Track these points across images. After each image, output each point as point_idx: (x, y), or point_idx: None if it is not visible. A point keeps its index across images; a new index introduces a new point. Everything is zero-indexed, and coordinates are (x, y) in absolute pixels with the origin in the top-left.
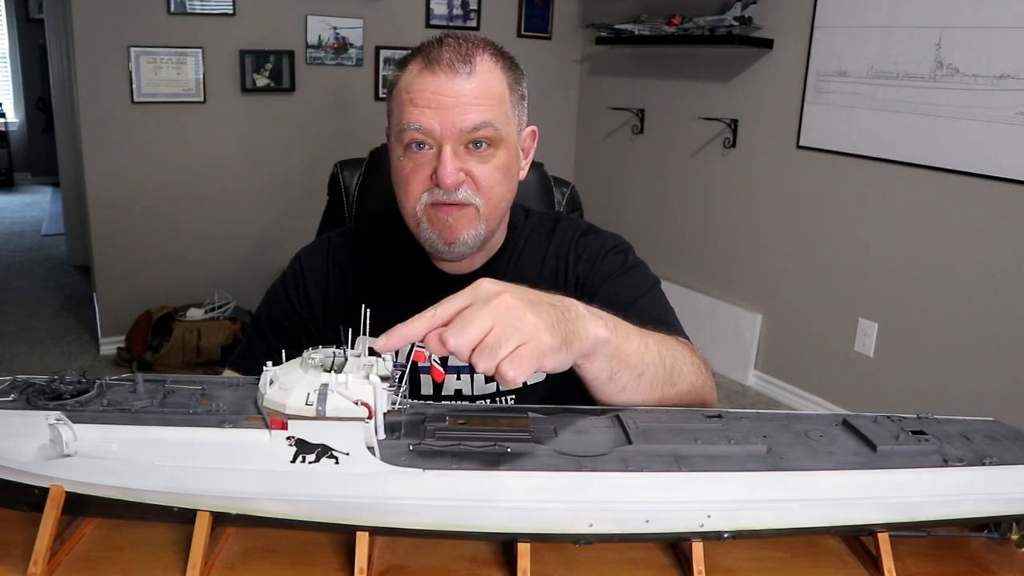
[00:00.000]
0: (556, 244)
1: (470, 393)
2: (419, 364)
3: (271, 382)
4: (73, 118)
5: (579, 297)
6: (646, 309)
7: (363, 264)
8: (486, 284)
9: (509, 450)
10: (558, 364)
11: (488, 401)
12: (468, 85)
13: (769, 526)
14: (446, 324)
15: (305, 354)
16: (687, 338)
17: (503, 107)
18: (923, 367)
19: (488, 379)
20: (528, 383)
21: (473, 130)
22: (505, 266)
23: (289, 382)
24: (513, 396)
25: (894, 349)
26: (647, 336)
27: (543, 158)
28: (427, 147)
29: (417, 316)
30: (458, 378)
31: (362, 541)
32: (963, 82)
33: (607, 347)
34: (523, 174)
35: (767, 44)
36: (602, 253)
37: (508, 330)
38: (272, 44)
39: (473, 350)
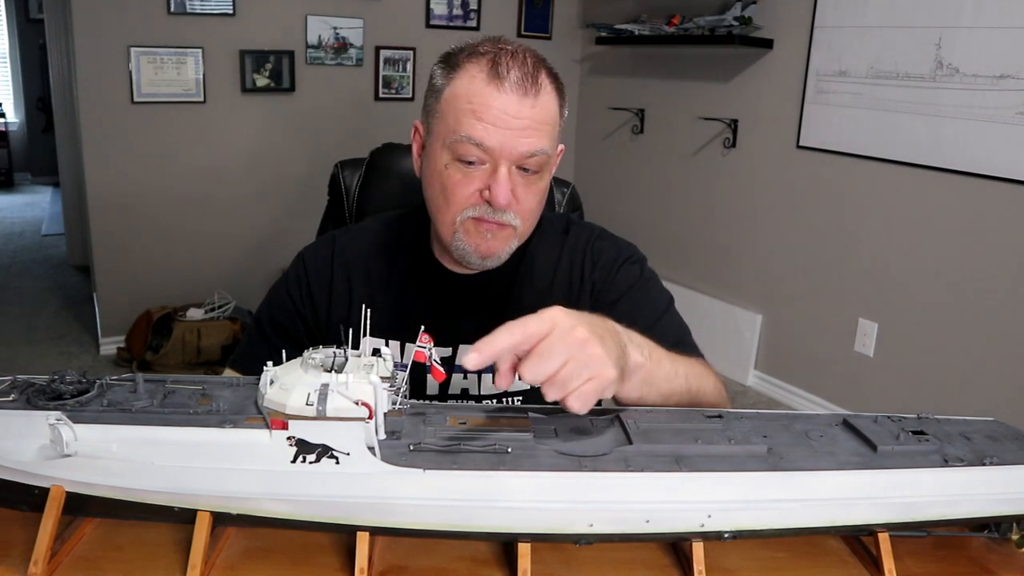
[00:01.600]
0: (570, 248)
1: (476, 393)
2: (422, 364)
3: (271, 382)
4: (73, 118)
5: (595, 306)
6: (666, 330)
7: (368, 264)
8: (562, 315)
9: (509, 450)
10: (612, 392)
11: (495, 401)
12: (533, 109)
13: (769, 526)
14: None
15: (306, 354)
16: (703, 357)
17: (555, 132)
18: (923, 367)
19: (495, 378)
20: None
21: (530, 156)
22: (516, 268)
23: (289, 382)
24: (520, 398)
25: (894, 349)
26: (678, 363)
27: None
28: (479, 162)
29: (503, 330)
30: (465, 377)
31: (362, 541)
32: (963, 82)
33: (641, 371)
34: None
35: (767, 44)
36: (618, 264)
37: (579, 366)
38: (272, 44)
39: (544, 381)
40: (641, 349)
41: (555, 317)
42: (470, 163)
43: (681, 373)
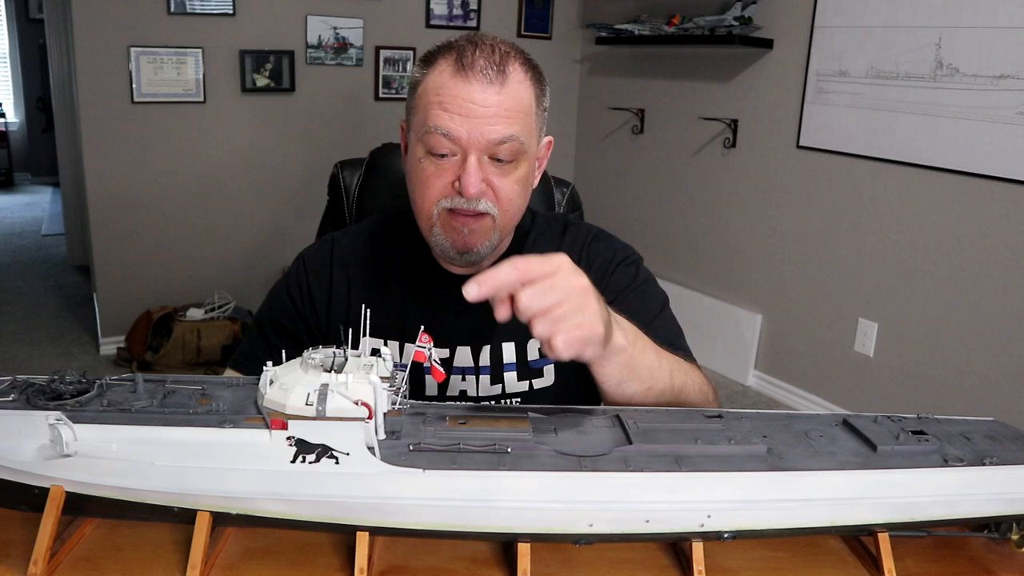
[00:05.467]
0: (566, 249)
1: (475, 394)
2: (421, 364)
3: (271, 382)
4: (73, 118)
5: None
6: (658, 331)
7: (367, 264)
8: (568, 262)
9: (509, 450)
10: (592, 355)
11: (493, 403)
12: (499, 96)
13: (769, 526)
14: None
15: (305, 354)
16: (695, 361)
17: (529, 120)
18: (923, 367)
19: (494, 381)
20: (535, 387)
21: (500, 143)
22: None
23: (289, 382)
24: (519, 399)
25: (894, 349)
26: (663, 356)
27: None
28: (451, 153)
29: (506, 265)
30: (463, 379)
31: (362, 541)
32: (963, 82)
33: (622, 355)
34: (535, 183)
35: (767, 44)
36: (614, 264)
37: (574, 310)
38: (272, 44)
39: (538, 314)
40: (626, 334)
41: (561, 262)
42: (442, 156)
43: (666, 367)
